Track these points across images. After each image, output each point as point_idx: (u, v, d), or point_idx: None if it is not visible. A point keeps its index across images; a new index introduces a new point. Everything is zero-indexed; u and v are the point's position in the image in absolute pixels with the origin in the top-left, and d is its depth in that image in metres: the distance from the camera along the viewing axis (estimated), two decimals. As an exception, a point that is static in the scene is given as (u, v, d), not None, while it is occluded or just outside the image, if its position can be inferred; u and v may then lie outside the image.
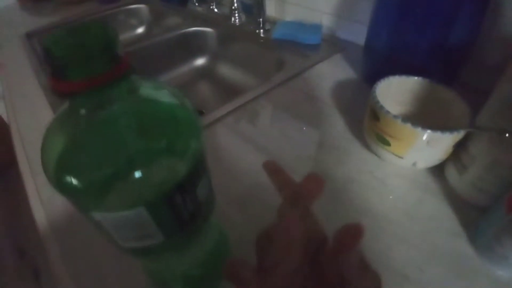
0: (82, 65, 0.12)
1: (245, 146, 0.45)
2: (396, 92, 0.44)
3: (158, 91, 0.18)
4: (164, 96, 0.18)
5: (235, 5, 0.79)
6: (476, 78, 0.52)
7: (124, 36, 1.03)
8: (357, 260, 0.17)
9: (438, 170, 0.40)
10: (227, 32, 0.80)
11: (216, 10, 0.90)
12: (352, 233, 0.16)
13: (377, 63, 0.54)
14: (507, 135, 0.31)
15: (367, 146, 0.43)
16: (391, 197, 0.38)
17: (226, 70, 0.81)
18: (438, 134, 0.35)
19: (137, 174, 0.15)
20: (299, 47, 0.65)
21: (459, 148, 0.38)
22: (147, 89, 0.17)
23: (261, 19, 0.73)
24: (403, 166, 0.40)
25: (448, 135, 0.35)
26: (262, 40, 0.72)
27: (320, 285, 0.18)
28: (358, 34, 0.63)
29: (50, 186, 0.16)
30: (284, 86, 0.55)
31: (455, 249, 0.33)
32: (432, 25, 0.48)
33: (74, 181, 0.15)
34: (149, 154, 0.16)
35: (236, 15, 0.81)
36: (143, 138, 0.16)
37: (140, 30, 1.07)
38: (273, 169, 0.24)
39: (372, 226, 0.35)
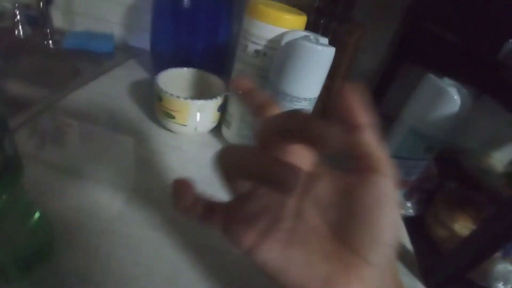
0: None
1: (58, 177, 0.40)
2: (175, 80, 0.55)
3: None
4: None
5: (18, 17, 0.74)
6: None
7: None
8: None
9: (216, 131, 0.54)
10: (11, 47, 0.74)
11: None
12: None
13: (164, 63, 0.64)
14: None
15: (161, 125, 0.53)
16: (187, 157, 0.49)
17: (17, 87, 0.74)
18: (203, 102, 0.48)
19: None
20: (92, 56, 0.69)
21: (223, 111, 0.52)
22: None
23: (48, 30, 0.72)
24: (189, 133, 0.52)
25: (210, 101, 0.48)
26: (52, 52, 0.71)
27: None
28: (147, 41, 0.72)
29: None
30: (82, 93, 0.57)
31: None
32: (200, 31, 0.63)
33: None
34: None
35: (20, 27, 0.75)
36: None
37: None
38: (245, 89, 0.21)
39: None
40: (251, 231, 0.16)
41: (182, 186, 0.18)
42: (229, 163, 0.16)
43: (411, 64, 0.69)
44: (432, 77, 0.41)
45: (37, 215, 0.33)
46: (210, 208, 0.18)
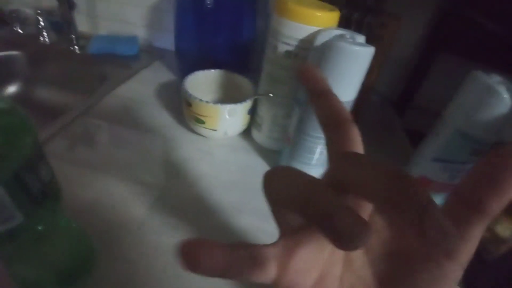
0: None
1: (87, 174, 0.42)
2: (203, 83, 0.55)
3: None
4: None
5: (42, 23, 0.75)
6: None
7: None
8: None
9: (246, 133, 0.53)
10: (38, 53, 0.75)
11: (20, 31, 0.82)
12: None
13: (189, 64, 0.64)
14: (270, 95, 0.46)
15: (191, 129, 0.52)
16: (218, 161, 0.48)
17: (45, 93, 0.76)
18: (233, 106, 0.47)
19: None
20: (118, 59, 0.69)
21: (253, 114, 0.51)
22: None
23: (73, 36, 0.72)
24: (219, 137, 0.51)
25: (240, 105, 0.47)
26: (79, 57, 0.72)
27: None
28: (171, 42, 0.72)
29: None
30: (111, 97, 0.58)
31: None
32: (224, 29, 0.62)
33: None
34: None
35: (45, 33, 0.76)
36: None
37: None
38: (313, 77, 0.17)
39: (209, 185, 0.44)
40: (307, 281, 0.14)
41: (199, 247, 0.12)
42: (277, 192, 0.13)
43: (448, 54, 0.65)
44: (478, 74, 0.38)
45: (76, 233, 0.33)
46: (249, 257, 0.13)
